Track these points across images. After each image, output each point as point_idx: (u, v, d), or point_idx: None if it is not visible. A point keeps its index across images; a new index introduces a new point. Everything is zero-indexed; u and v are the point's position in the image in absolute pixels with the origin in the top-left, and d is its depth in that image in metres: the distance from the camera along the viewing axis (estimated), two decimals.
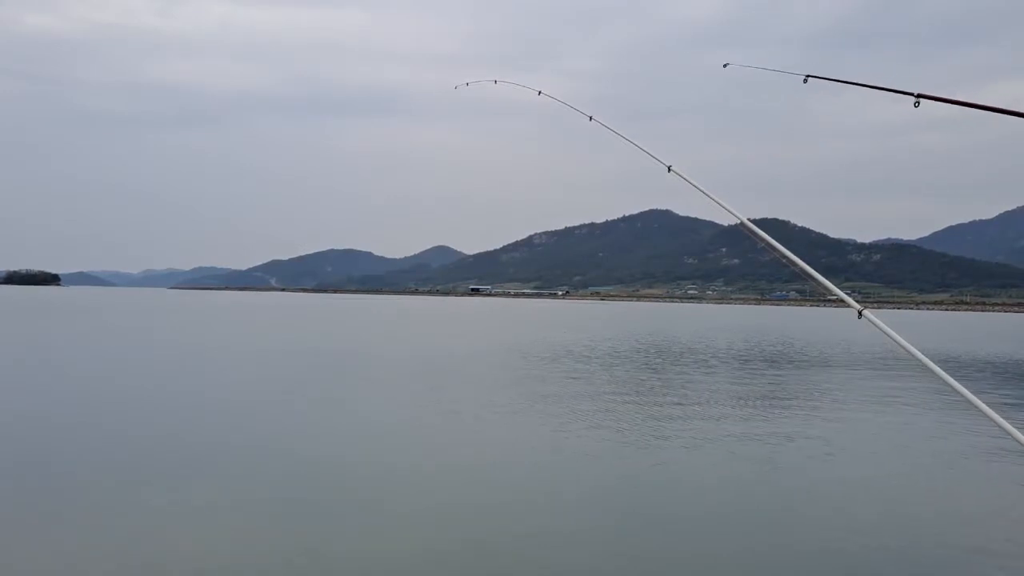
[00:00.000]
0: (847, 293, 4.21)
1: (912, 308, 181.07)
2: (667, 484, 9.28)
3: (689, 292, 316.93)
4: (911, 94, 4.17)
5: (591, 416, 13.53)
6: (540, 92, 7.96)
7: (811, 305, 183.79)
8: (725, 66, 6.13)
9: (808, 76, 5.17)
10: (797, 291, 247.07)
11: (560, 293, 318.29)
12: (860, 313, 3.81)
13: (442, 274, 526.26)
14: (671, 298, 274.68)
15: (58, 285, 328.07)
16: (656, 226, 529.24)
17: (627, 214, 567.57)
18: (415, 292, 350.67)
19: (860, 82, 4.80)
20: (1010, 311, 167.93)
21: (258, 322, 51.90)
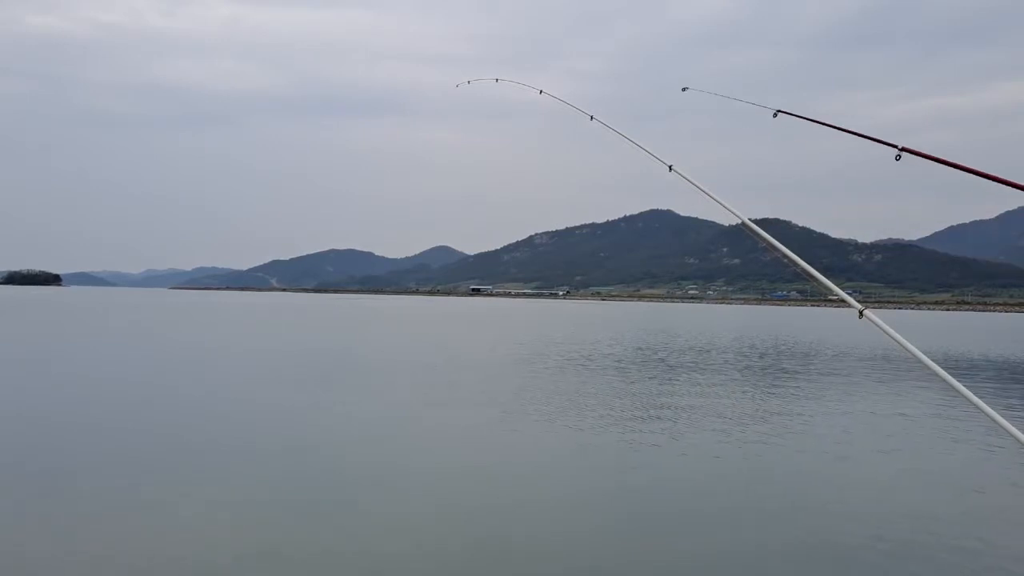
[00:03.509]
0: (848, 293, 4.20)
1: (913, 308, 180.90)
2: (669, 483, 9.26)
3: (690, 292, 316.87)
4: (894, 146, 4.11)
5: (594, 416, 13.52)
6: (541, 91, 7.97)
7: (812, 305, 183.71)
8: (684, 90, 5.92)
9: (778, 111, 5.05)
10: (798, 291, 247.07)
11: (561, 293, 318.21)
12: (861, 313, 3.81)
13: (443, 274, 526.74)
14: (672, 298, 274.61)
15: (59, 285, 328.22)
16: (657, 226, 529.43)
17: (628, 214, 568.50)
18: (416, 292, 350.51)
19: (831, 123, 4.74)
20: (1011, 311, 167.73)
21: (259, 322, 51.90)
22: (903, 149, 4.06)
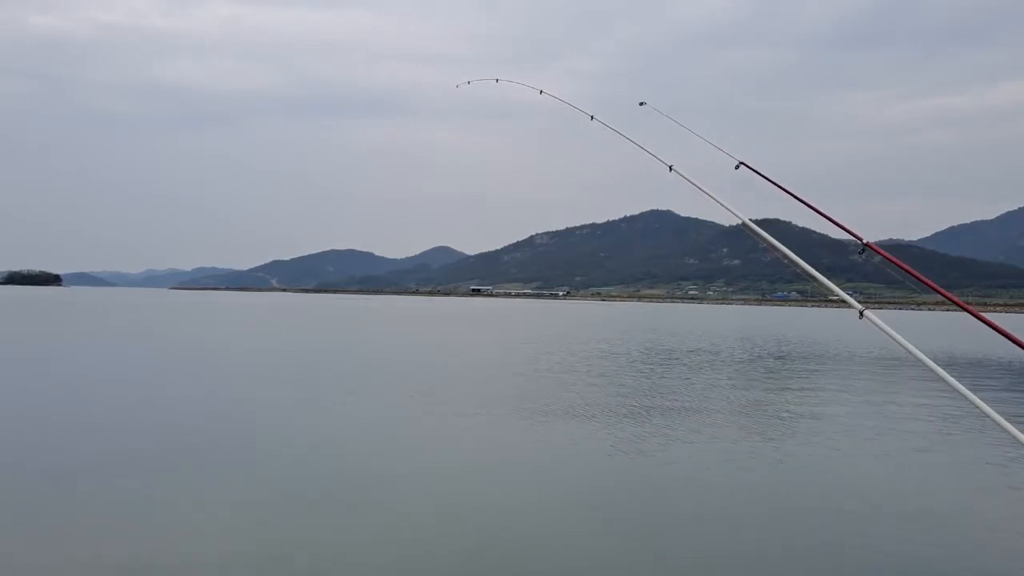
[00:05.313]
0: (848, 293, 4.20)
1: (913, 308, 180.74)
2: (671, 484, 9.25)
3: (690, 293, 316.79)
4: (859, 239, 4.23)
5: (597, 415, 13.51)
6: (542, 91, 7.97)
7: (812, 305, 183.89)
8: (641, 104, 6.30)
9: (740, 163, 5.10)
10: (798, 291, 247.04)
11: (561, 293, 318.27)
12: (861, 313, 3.81)
13: (443, 274, 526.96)
14: (672, 298, 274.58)
15: (59, 285, 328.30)
16: (657, 226, 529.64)
17: (628, 214, 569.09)
18: (416, 292, 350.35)
19: (814, 209, 4.80)
20: (1012, 311, 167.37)
21: (259, 322, 51.88)
22: (866, 245, 4.23)
